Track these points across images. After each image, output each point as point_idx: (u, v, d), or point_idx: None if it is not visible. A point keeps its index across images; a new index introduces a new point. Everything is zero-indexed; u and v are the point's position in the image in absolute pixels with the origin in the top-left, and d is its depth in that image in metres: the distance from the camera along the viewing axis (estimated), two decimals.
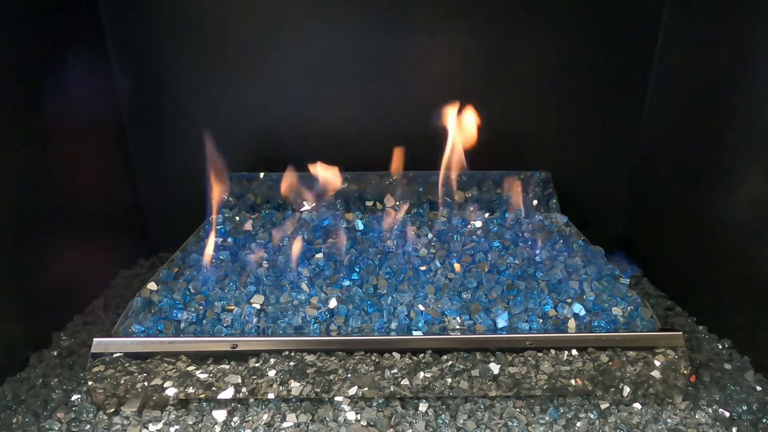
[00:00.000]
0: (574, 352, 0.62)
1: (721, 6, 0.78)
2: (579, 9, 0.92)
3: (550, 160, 0.99)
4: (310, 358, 0.62)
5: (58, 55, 0.81)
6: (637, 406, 0.63)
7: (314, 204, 0.92)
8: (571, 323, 0.66)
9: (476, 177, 0.97)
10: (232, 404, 0.63)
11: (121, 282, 0.94)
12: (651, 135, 0.96)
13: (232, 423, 0.61)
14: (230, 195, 0.96)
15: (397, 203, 0.94)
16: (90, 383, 0.61)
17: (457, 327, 0.66)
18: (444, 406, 0.63)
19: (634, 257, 0.90)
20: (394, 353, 0.62)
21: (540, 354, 0.62)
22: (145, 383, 0.61)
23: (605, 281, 0.72)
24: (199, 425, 0.60)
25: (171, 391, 0.62)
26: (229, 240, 0.84)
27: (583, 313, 0.67)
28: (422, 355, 0.62)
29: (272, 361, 0.62)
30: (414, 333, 0.64)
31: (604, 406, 0.63)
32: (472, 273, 0.73)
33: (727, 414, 0.62)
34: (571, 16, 0.93)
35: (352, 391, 0.62)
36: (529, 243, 0.82)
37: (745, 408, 0.63)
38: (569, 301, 0.68)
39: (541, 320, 0.66)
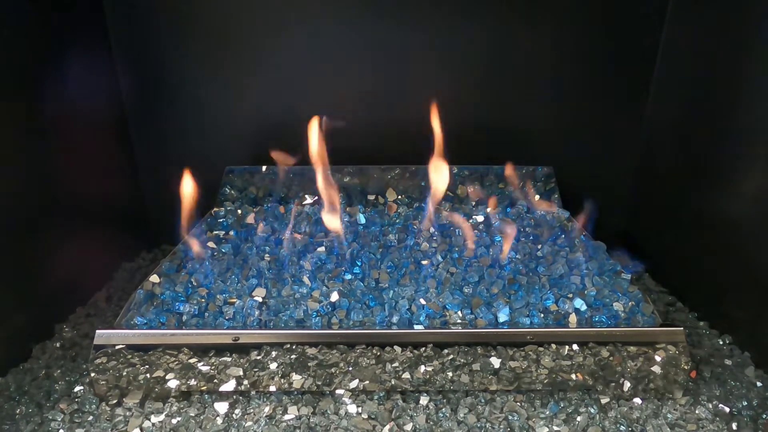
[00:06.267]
0: (575, 347, 0.62)
1: (724, 2, 0.78)
2: (582, 3, 0.92)
3: (553, 155, 0.99)
4: (311, 351, 0.62)
5: (61, 52, 0.81)
6: (637, 401, 0.63)
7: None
8: (572, 318, 0.66)
9: (479, 172, 0.97)
10: (234, 396, 0.64)
11: (124, 274, 0.95)
12: (653, 130, 0.96)
13: (234, 415, 0.61)
14: (232, 188, 0.96)
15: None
16: (92, 375, 0.61)
17: (459, 321, 0.66)
18: (445, 400, 0.63)
19: (636, 253, 0.90)
20: (396, 347, 0.62)
21: (541, 348, 0.62)
22: (148, 375, 0.61)
23: (607, 276, 0.72)
24: (201, 417, 0.61)
25: (173, 383, 0.62)
26: (231, 233, 0.84)
27: (584, 308, 0.67)
28: (423, 348, 0.62)
29: (274, 353, 0.62)
30: (415, 327, 0.65)
31: (604, 400, 0.63)
32: (473, 267, 0.73)
33: (727, 409, 0.62)
34: (574, 10, 0.92)
35: (354, 384, 0.62)
36: (531, 238, 0.82)
37: (745, 403, 0.63)
38: (570, 296, 0.68)
39: (542, 315, 0.66)
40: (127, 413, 0.61)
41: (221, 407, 0.62)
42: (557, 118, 0.99)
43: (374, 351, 0.62)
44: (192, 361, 0.62)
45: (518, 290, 0.69)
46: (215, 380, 0.62)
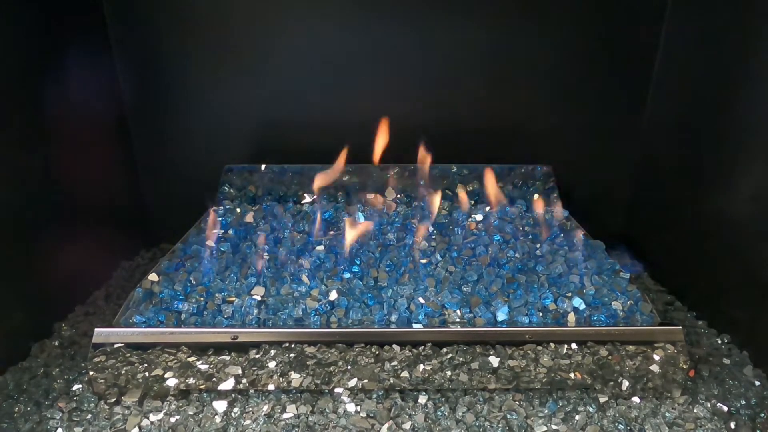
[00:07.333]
0: (574, 345, 0.62)
1: (724, 2, 0.78)
2: (582, 2, 0.92)
3: (552, 154, 0.99)
4: (310, 349, 0.62)
5: (62, 53, 0.81)
6: (635, 400, 0.63)
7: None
8: (571, 317, 0.66)
9: (478, 170, 0.97)
10: (233, 395, 0.64)
11: (123, 273, 0.95)
12: (653, 130, 0.96)
13: (233, 413, 0.61)
14: (231, 187, 0.96)
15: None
16: (91, 373, 0.61)
17: (457, 320, 0.66)
18: (443, 399, 0.63)
19: (635, 252, 0.90)
20: (394, 345, 0.63)
21: (539, 347, 0.62)
22: (146, 374, 0.62)
23: (605, 275, 0.72)
24: (200, 416, 0.61)
25: (172, 382, 0.62)
26: (230, 232, 0.84)
27: (582, 307, 0.67)
28: (422, 347, 0.62)
29: (272, 352, 0.62)
30: (414, 326, 0.65)
31: (602, 399, 0.63)
32: (472, 266, 0.73)
33: (726, 408, 0.62)
34: (574, 8, 0.92)
35: (352, 382, 0.62)
36: (530, 237, 0.82)
37: (743, 402, 0.63)
38: (569, 295, 0.68)
39: (540, 314, 0.66)
40: (126, 412, 0.61)
41: (220, 406, 0.62)
42: (557, 118, 0.99)
43: (373, 350, 0.62)
44: (191, 359, 0.62)
45: (517, 289, 0.69)
46: (214, 379, 0.62)
